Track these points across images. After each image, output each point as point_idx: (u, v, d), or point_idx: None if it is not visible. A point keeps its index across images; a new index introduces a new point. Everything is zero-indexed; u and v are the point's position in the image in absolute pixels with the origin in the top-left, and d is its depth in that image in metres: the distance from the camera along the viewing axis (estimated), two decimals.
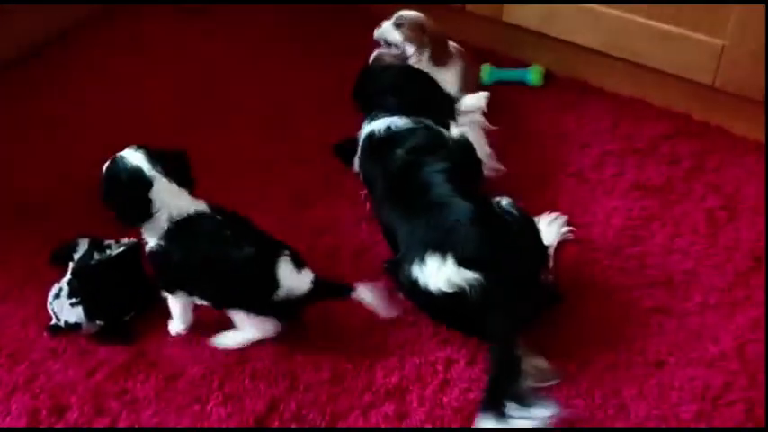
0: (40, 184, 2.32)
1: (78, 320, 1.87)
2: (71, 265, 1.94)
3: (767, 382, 1.78)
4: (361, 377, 1.81)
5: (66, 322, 1.88)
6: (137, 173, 1.78)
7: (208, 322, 1.90)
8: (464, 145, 2.07)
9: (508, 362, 1.70)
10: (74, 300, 1.88)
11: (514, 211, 1.86)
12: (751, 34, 2.15)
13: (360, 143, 2.14)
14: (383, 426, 1.72)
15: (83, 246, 1.96)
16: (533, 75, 2.57)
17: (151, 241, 1.82)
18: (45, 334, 1.91)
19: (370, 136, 2.09)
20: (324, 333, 1.90)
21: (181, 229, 1.78)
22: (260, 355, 1.86)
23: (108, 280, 1.90)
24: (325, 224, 2.17)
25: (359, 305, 1.88)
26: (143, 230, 1.83)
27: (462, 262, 1.77)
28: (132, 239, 1.97)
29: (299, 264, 1.81)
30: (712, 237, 2.10)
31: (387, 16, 2.44)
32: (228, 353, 1.86)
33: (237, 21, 2.95)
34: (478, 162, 2.12)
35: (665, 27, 2.27)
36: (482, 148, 2.19)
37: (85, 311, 1.87)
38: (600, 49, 2.43)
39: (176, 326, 1.90)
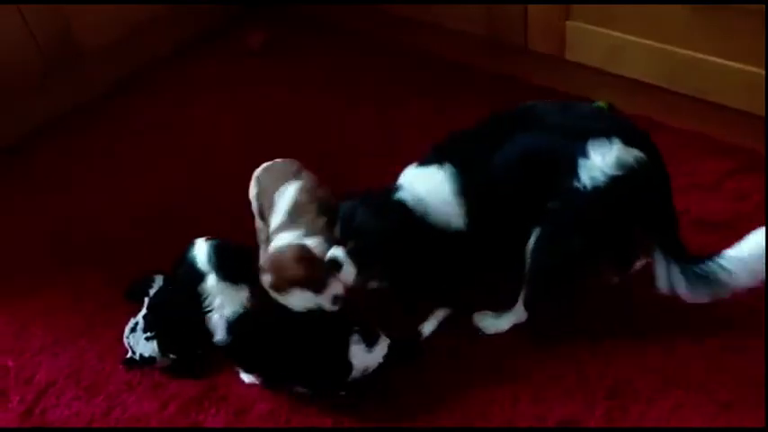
0: (115, 223, 2.42)
1: (152, 354, 1.94)
2: (146, 300, 2.01)
3: (767, 382, 1.75)
4: (422, 416, 1.83)
5: (140, 356, 1.95)
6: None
7: None
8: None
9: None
10: (148, 334, 1.94)
11: None
12: None
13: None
14: None
15: (158, 281, 2.03)
16: None
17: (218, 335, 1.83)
18: (121, 367, 1.98)
19: None
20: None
21: (242, 326, 1.81)
22: None
23: (181, 315, 1.96)
24: None
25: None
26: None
27: (628, 141, 1.74)
28: None
29: (370, 340, 1.79)
30: None
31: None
32: None
33: (300, 64, 3.03)
34: None
35: (728, 63, 2.26)
36: None
37: (159, 345, 1.93)
38: (663, 85, 2.43)
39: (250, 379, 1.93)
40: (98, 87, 2.95)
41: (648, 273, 2.06)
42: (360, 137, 2.63)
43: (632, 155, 1.73)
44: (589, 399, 1.82)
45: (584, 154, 1.73)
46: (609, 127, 1.77)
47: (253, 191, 2.08)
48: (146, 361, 1.95)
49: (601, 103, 2.58)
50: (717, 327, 1.94)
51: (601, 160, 1.72)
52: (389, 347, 1.81)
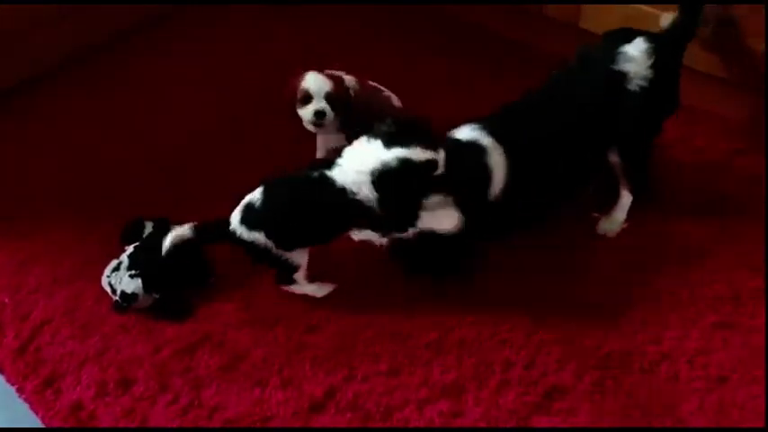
0: (118, 170, 2.41)
1: (136, 291, 1.94)
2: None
3: (767, 383, 1.75)
4: (417, 372, 1.83)
5: (122, 293, 1.95)
6: None
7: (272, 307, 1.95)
8: None
9: None
10: (133, 271, 1.94)
11: None
12: None
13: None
14: (438, 422, 1.74)
15: (149, 227, 2.04)
16: None
17: None
18: (113, 311, 1.99)
19: None
20: (383, 327, 1.93)
21: None
22: (320, 343, 1.90)
23: (168, 255, 1.97)
24: None
25: (419, 300, 1.93)
26: None
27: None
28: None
29: None
30: None
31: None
32: (290, 339, 1.91)
33: (316, 19, 3.01)
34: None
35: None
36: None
37: (144, 283, 1.94)
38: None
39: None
40: (108, 31, 2.92)
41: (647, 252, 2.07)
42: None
43: (649, 43, 1.98)
44: (581, 368, 1.82)
45: (621, 60, 1.97)
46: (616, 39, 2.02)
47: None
48: (127, 298, 1.95)
49: None
50: (712, 304, 1.94)
51: (638, 54, 1.97)
52: None
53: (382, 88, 2.35)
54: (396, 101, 2.34)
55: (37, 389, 1.84)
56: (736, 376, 1.78)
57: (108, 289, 1.98)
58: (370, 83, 2.34)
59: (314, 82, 2.18)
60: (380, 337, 1.90)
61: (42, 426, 1.79)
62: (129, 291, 1.94)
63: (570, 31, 2.58)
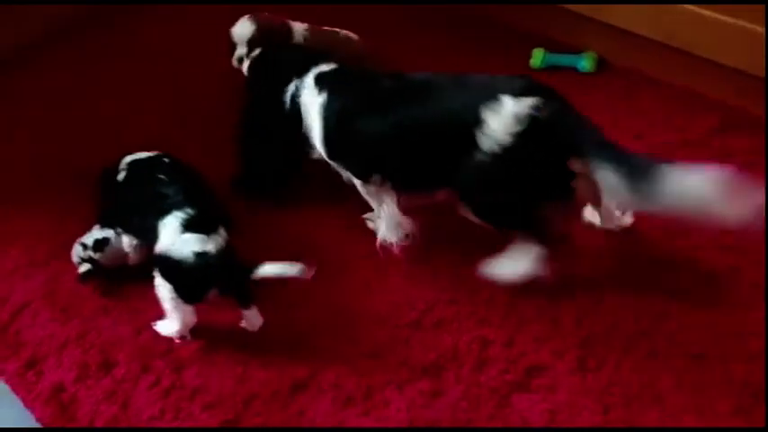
0: (97, 151, 2.37)
1: (107, 235, 1.96)
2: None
3: (767, 381, 1.76)
4: (398, 352, 1.84)
5: (95, 241, 1.96)
6: None
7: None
8: None
9: None
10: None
11: None
12: None
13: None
14: (418, 401, 1.75)
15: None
16: (586, 61, 2.55)
17: None
18: (97, 291, 1.98)
19: None
20: (362, 307, 1.94)
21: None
22: (302, 324, 1.90)
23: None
24: None
25: (396, 278, 1.95)
26: None
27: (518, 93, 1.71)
28: None
29: (192, 227, 1.80)
30: (760, 233, 2.07)
31: None
32: (271, 320, 1.90)
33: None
34: None
35: (725, 18, 2.24)
36: None
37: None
38: (657, 39, 2.40)
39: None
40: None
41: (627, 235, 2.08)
42: None
43: (526, 104, 1.69)
44: (561, 347, 1.83)
45: (479, 123, 1.69)
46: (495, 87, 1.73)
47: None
48: (99, 244, 1.96)
49: (591, 54, 2.56)
50: (692, 283, 1.96)
51: (498, 123, 1.68)
52: (215, 254, 1.78)
53: (338, 30, 2.36)
54: (355, 38, 2.35)
55: (18, 371, 1.84)
56: (714, 353, 1.80)
57: (76, 259, 1.98)
58: (325, 28, 2.36)
59: (239, 27, 2.28)
60: (360, 319, 1.91)
61: (40, 426, 1.77)
62: (100, 236, 1.95)
63: (546, 8, 2.58)
